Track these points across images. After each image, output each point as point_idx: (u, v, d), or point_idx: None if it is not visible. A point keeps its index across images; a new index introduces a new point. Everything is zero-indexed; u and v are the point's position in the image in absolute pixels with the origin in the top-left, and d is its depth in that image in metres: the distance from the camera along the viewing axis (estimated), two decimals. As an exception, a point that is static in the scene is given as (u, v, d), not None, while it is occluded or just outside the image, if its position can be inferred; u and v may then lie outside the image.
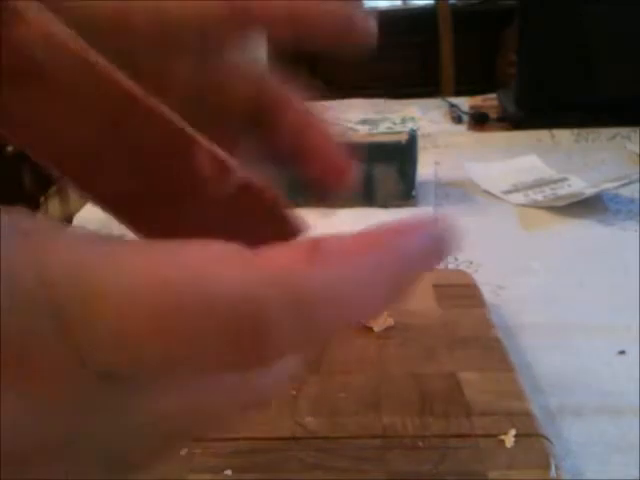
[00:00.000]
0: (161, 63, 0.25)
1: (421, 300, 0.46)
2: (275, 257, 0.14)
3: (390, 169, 0.71)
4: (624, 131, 0.94)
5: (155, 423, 0.15)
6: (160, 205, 0.20)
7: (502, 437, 0.32)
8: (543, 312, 0.50)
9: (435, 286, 0.48)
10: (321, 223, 0.66)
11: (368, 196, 0.72)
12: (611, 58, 0.99)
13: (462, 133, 1.04)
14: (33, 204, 1.37)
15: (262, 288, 0.13)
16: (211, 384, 0.15)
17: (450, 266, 0.58)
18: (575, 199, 0.69)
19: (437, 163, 0.87)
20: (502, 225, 0.67)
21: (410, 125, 0.74)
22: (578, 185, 0.75)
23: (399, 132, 0.72)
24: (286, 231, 0.21)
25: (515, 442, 0.32)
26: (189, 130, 0.19)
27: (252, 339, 0.13)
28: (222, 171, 0.19)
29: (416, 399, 0.36)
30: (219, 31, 0.25)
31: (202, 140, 0.19)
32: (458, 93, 1.22)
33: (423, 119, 1.05)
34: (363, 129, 0.74)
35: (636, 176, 0.71)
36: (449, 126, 1.08)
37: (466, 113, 1.11)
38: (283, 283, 0.13)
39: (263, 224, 0.21)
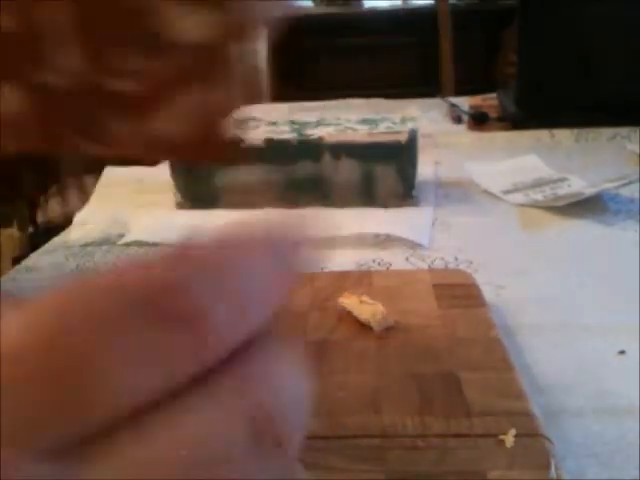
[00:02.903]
0: None
1: (421, 300, 0.46)
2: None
3: (390, 169, 0.71)
4: (624, 131, 0.94)
5: None
6: None
7: (502, 437, 0.32)
8: (543, 312, 0.50)
9: (435, 286, 0.48)
10: (321, 223, 0.65)
11: (368, 196, 0.72)
12: (611, 58, 0.99)
13: (462, 133, 1.04)
14: (33, 204, 1.37)
15: None
16: None
17: (450, 266, 0.58)
18: (575, 199, 0.69)
19: (437, 163, 0.87)
20: (502, 225, 0.67)
21: (410, 125, 0.74)
22: (578, 185, 0.75)
23: (399, 132, 0.72)
24: None
25: (515, 442, 0.32)
26: None
27: None
28: None
29: (416, 399, 0.36)
30: None
31: None
32: (458, 93, 1.22)
33: (423, 119, 1.05)
34: (363, 129, 0.74)
35: (636, 176, 0.71)
36: (449, 126, 1.08)
37: (466, 113, 1.11)
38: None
39: None
